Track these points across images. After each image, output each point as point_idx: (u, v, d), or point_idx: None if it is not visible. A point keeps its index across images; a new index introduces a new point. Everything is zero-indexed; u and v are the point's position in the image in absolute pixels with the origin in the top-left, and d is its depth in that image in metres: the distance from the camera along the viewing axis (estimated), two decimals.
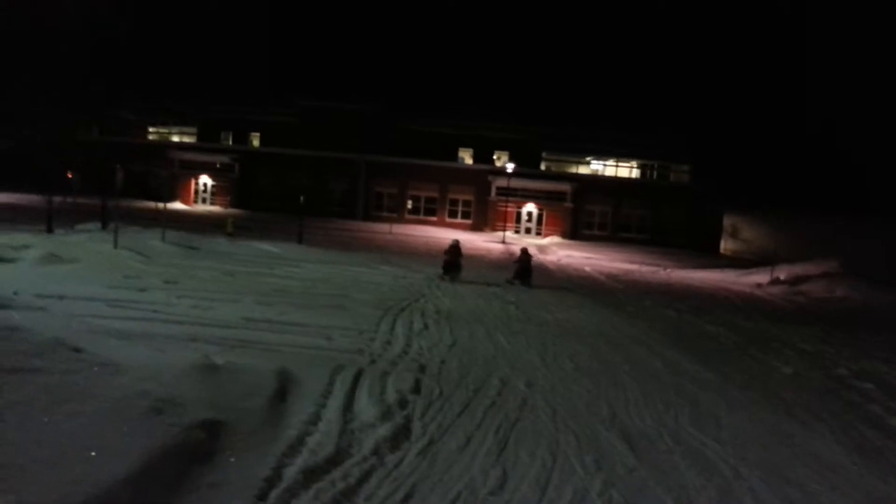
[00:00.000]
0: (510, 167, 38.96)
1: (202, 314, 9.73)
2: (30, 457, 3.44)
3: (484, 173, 42.65)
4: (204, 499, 3.66)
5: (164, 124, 48.97)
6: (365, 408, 5.74)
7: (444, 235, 36.54)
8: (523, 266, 17.91)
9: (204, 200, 45.71)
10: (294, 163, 43.88)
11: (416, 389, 6.63)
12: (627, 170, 47.09)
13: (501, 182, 40.91)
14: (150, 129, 49.87)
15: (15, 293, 9.61)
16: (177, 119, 48.48)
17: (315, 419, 5.25)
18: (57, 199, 20.94)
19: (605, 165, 47.80)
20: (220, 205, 44.60)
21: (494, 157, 46.62)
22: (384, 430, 5.27)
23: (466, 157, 47.32)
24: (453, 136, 46.18)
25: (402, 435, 5.28)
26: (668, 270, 28.10)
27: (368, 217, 43.03)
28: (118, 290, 11.23)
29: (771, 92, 65.32)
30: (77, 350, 4.64)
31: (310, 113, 46.01)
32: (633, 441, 5.78)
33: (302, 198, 30.65)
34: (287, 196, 40.20)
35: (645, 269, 27.92)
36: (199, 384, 4.87)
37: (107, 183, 22.80)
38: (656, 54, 72.64)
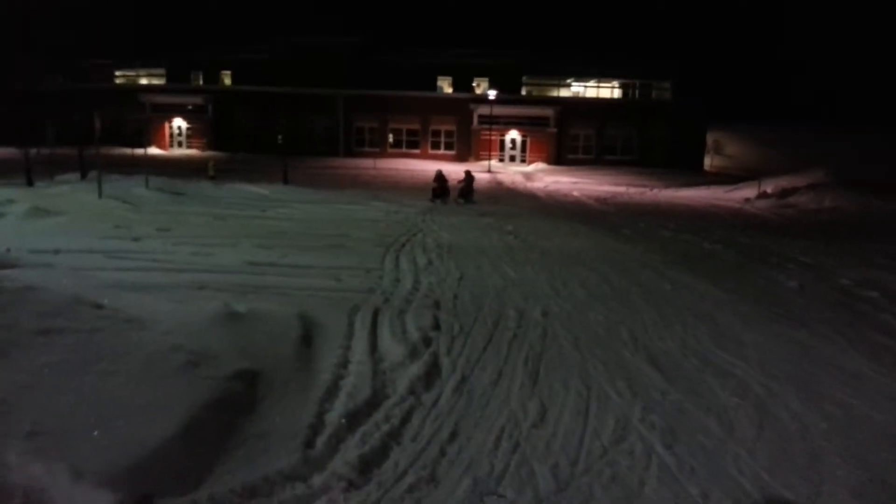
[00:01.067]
0: (491, 94, 38.25)
1: (204, 261, 9.55)
2: (73, 421, 3.34)
3: (465, 102, 41.86)
4: (252, 450, 3.60)
5: (131, 67, 47.21)
6: (390, 347, 5.69)
7: (428, 168, 36.12)
8: (467, 185, 21.35)
9: (180, 144, 44.64)
10: (271, 101, 42.71)
11: (436, 326, 6.58)
12: (609, 90, 46.41)
13: (483, 110, 40.23)
14: (118, 73, 48.09)
15: (8, 250, 9.35)
16: (144, 61, 46.72)
17: (344, 362, 5.19)
18: (32, 150, 20.24)
19: (586, 87, 47.04)
20: (197, 148, 43.59)
21: (474, 84, 45.66)
22: (415, 368, 5.23)
23: (446, 87, 46.31)
24: (432, 66, 44.99)
25: (433, 373, 5.24)
26: (656, 190, 28.12)
27: (351, 153, 42.36)
28: (112, 240, 10.96)
29: (750, 7, 64.14)
30: (98, 306, 4.49)
31: (284, 49, 44.49)
32: (659, 364, 5.80)
33: (280, 136, 29.96)
34: (266, 136, 39.31)
35: (633, 190, 27.91)
36: (227, 334, 4.76)
37: (80, 132, 22.07)
38: None
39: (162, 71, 47.26)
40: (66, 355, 3.85)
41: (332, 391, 4.57)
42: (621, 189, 28.24)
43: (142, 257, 9.57)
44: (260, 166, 29.43)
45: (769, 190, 25.27)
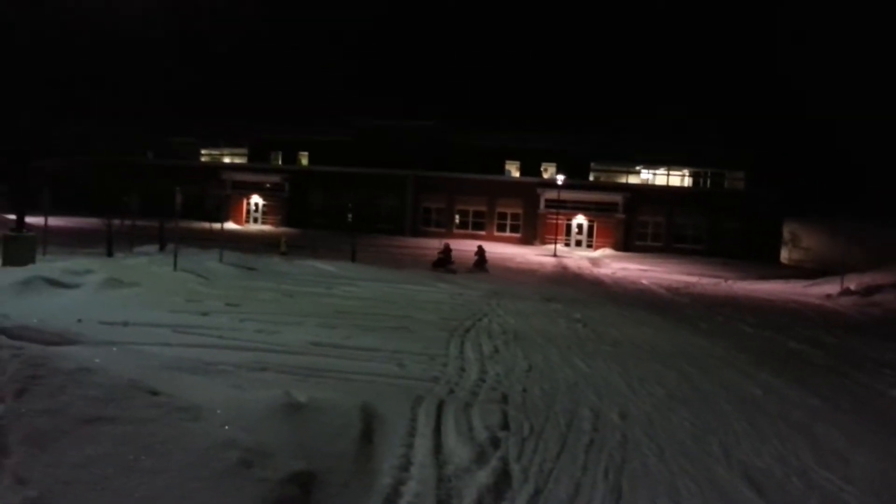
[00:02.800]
0: (559, 179, 38.25)
1: (268, 339, 9.41)
2: None
3: (532, 186, 42.05)
4: None
5: (216, 146, 49.76)
6: (456, 448, 5.24)
7: (493, 249, 36.05)
8: (480, 258, 24.87)
9: (255, 220, 46.22)
10: (343, 180, 44.00)
11: (505, 424, 6.10)
12: (679, 178, 45.87)
13: (550, 194, 40.23)
14: (203, 152, 50.70)
15: (79, 320, 9.46)
16: (228, 141, 49.23)
17: (406, 464, 4.77)
18: (115, 222, 21.13)
19: (655, 175, 46.66)
20: (272, 224, 45.00)
21: (542, 168, 45.96)
22: (482, 476, 4.75)
23: (514, 170, 46.77)
24: (500, 150, 45.71)
25: (502, 482, 4.75)
26: (731, 282, 26.98)
27: (417, 232, 42.80)
28: (181, 314, 11.02)
29: (823, 97, 63.20)
30: (154, 393, 4.26)
31: (358, 131, 46.16)
32: (759, 485, 5.13)
33: (350, 215, 30.54)
34: (336, 213, 40.28)
35: (705, 280, 26.87)
36: (285, 427, 4.44)
37: (163, 205, 23.02)
38: (702, 62, 71.00)
39: (244, 150, 49.63)
40: (113, 448, 3.60)
41: (391, 499, 4.15)
42: (693, 279, 27.24)
43: (208, 333, 9.50)
44: (329, 243, 29.87)
45: (852, 286, 23.83)
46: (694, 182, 45.68)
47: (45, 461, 3.36)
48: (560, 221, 40.19)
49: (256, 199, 46.33)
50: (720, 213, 40.70)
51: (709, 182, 45.67)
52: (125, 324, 9.66)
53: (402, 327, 11.21)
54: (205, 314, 11.22)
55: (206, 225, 28.05)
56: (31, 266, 14.46)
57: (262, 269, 18.40)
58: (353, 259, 23.60)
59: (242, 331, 9.93)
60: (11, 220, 24.03)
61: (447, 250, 24.53)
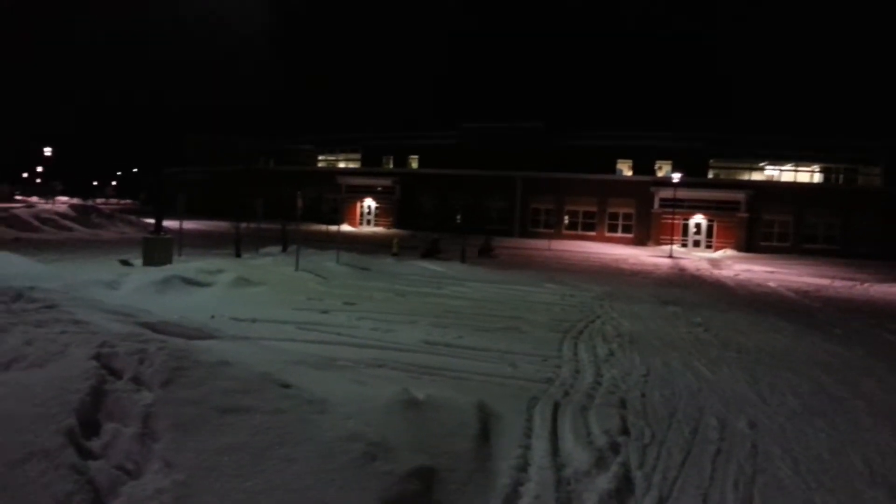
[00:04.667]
0: (676, 177, 36.75)
1: (383, 337, 9.66)
2: None
3: (645, 184, 40.67)
4: None
5: (332, 152, 51.63)
6: (574, 451, 5.15)
7: (604, 251, 35.22)
8: (485, 246, 28.39)
9: (368, 222, 47.56)
10: (452, 183, 44.46)
11: (624, 430, 5.93)
12: (808, 174, 42.94)
13: (665, 193, 38.76)
14: (320, 158, 52.74)
15: (212, 317, 10.12)
16: (343, 146, 50.97)
17: (523, 464, 4.74)
18: (242, 225, 22.42)
19: (781, 171, 43.92)
20: (383, 226, 46.16)
21: (656, 167, 44.40)
22: (603, 481, 4.64)
23: (625, 169, 45.50)
24: (611, 148, 44.64)
25: (624, 489, 4.61)
26: (867, 285, 24.89)
27: (525, 234, 42.53)
28: (303, 312, 11.53)
29: None
30: (285, 386, 4.47)
31: (468, 134, 46.53)
32: None
33: (459, 216, 30.80)
34: (446, 215, 40.72)
35: (839, 283, 24.95)
36: (405, 423, 4.52)
37: (284, 209, 24.22)
38: (830, 47, 66.09)
39: (358, 156, 51.28)
40: (249, 437, 3.80)
41: (511, 499, 4.13)
42: (825, 281, 25.37)
43: (328, 330, 9.88)
44: (439, 244, 30.27)
45: None
46: (825, 178, 42.62)
47: (190, 447, 3.60)
48: (676, 221, 38.65)
49: (369, 202, 47.72)
50: (855, 211, 37.68)
51: (841, 178, 42.45)
52: (253, 320, 10.23)
53: (512, 328, 11.17)
54: (324, 312, 11.68)
55: (323, 227, 29.18)
56: (168, 266, 15.63)
57: (376, 270, 18.91)
58: (463, 260, 23.78)
59: (359, 328, 10.26)
60: (150, 224, 26.12)
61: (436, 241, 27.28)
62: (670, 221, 38.35)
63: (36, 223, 31.66)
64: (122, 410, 3.80)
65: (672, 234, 37.61)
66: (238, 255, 20.52)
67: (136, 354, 4.27)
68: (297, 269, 16.76)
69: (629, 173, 44.44)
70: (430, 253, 26.08)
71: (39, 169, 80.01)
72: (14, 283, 7.88)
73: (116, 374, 4.11)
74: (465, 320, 11.63)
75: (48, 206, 40.71)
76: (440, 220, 41.26)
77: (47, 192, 58.68)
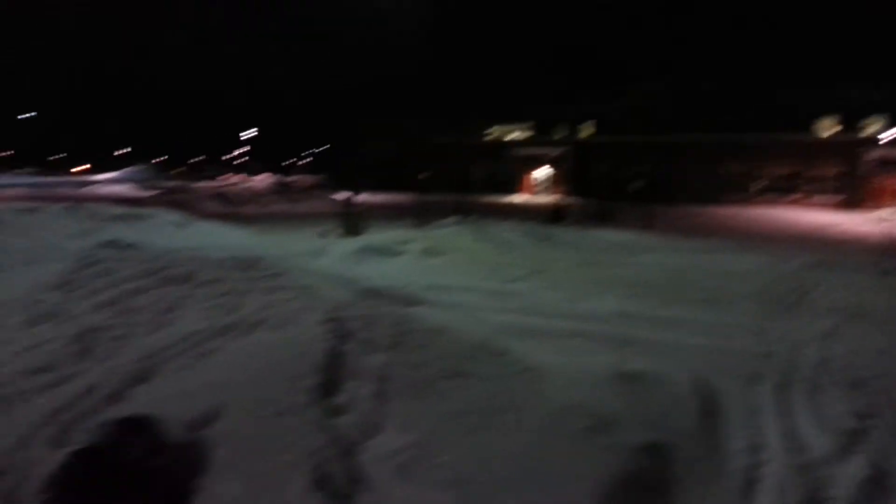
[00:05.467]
0: (890, 133, 32.44)
1: (573, 307, 9.45)
2: (486, 475, 3.21)
3: (850, 144, 36.31)
4: None
5: (505, 122, 51.64)
6: (812, 434, 4.66)
7: (804, 218, 32.09)
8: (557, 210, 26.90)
9: (542, 191, 47.19)
10: (628, 149, 42.72)
11: (866, 413, 5.28)
12: None
13: (876, 153, 34.36)
14: (494, 129, 53.02)
15: (404, 286, 10.51)
16: (516, 117, 50.79)
17: (757, 446, 4.36)
18: (423, 197, 23.17)
19: None
20: (557, 194, 45.55)
21: (864, 124, 39.47)
22: (852, 468, 4.15)
23: (828, 128, 40.93)
24: (810, 106, 40.27)
25: (880, 477, 4.09)
26: None
27: (715, 200, 39.80)
28: (489, 281, 11.64)
29: None
30: (500, 354, 4.46)
31: (643, 97, 44.34)
32: None
33: (638, 183, 29.54)
34: (621, 182, 39.24)
35: None
36: (621, 396, 4.35)
37: (460, 181, 24.73)
38: None
39: (530, 125, 50.91)
40: (471, 403, 3.83)
41: (751, 482, 3.81)
42: None
43: (516, 300, 9.87)
44: (617, 213, 29.29)
45: None
46: None
47: (419, 409, 3.70)
48: (890, 184, 34.22)
49: (542, 172, 47.31)
50: None
51: None
52: (444, 289, 10.48)
53: (713, 299, 10.45)
54: (510, 281, 11.71)
55: (498, 197, 29.38)
56: (360, 237, 16.56)
57: (555, 240, 18.67)
58: (647, 228, 22.80)
59: (548, 298, 10.13)
60: (340, 200, 27.85)
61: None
62: (884, 184, 34.02)
63: (242, 199, 35.06)
64: (356, 372, 4.00)
65: (885, 198, 33.34)
66: (420, 227, 21.24)
67: (364, 319, 4.48)
68: (477, 239, 16.98)
69: (830, 132, 39.96)
70: (599, 220, 25.39)
71: (244, 150, 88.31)
72: (237, 254, 8.67)
73: (348, 337, 4.34)
74: (659, 290, 11.08)
75: (252, 184, 44.88)
76: (615, 188, 39.87)
77: (250, 171, 64.70)
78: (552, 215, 26.21)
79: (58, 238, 12.79)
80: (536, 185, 47.59)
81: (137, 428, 3.48)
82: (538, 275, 12.46)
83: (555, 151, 46.59)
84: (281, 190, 38.79)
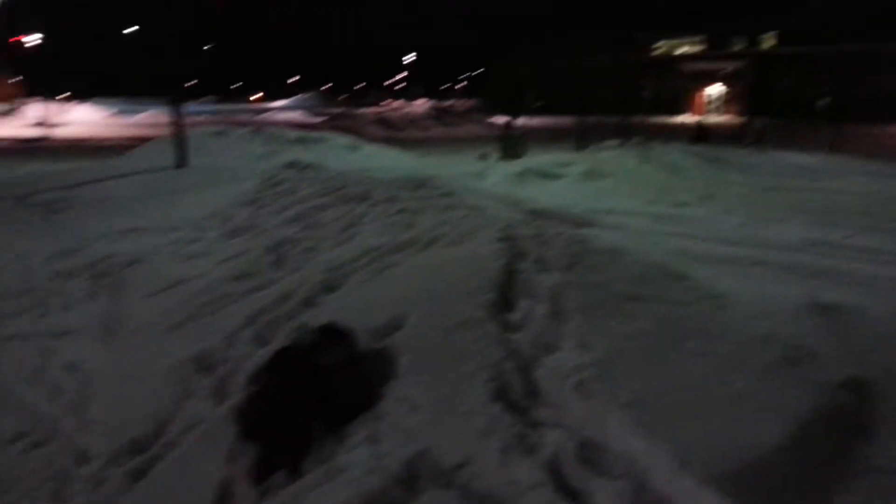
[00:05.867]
0: None
1: (754, 234, 8.82)
2: (667, 400, 3.15)
3: None
4: (878, 487, 2.83)
5: (672, 37, 48.23)
6: None
7: None
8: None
9: (713, 111, 43.95)
10: (816, 63, 38.25)
11: None
12: None
13: None
14: (659, 44, 49.75)
15: (569, 208, 10.32)
16: (685, 31, 47.19)
17: None
18: (584, 118, 22.42)
19: None
20: (731, 114, 42.22)
21: None
22: None
23: None
24: None
25: None
26: None
27: None
28: (657, 205, 11.15)
29: None
30: (681, 278, 4.27)
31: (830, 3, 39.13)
32: None
33: (827, 100, 26.50)
34: (806, 99, 35.45)
35: None
36: (820, 329, 4.01)
37: (624, 100, 23.54)
38: None
39: (701, 38, 47.08)
40: (652, 326, 3.71)
41: None
42: None
43: (688, 225, 9.38)
44: (800, 134, 26.65)
45: None
46: None
47: (598, 330, 3.65)
48: None
49: (714, 89, 43.85)
50: None
51: None
52: (608, 212, 10.17)
53: None
54: (680, 206, 11.13)
55: (665, 118, 27.74)
56: (520, 160, 16.42)
57: (730, 161, 17.40)
58: (834, 150, 20.57)
59: (724, 224, 9.54)
60: (495, 123, 27.68)
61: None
62: None
63: (402, 123, 35.95)
64: (531, 289, 4.02)
65: None
66: (582, 149, 20.64)
67: (537, 238, 4.46)
68: (642, 161, 16.22)
69: None
70: (780, 142, 22.94)
71: (403, 74, 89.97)
72: (406, 175, 8.93)
73: (521, 256, 4.35)
74: (850, 218, 10.04)
75: (411, 109, 45.80)
76: (798, 107, 36.09)
77: (409, 96, 65.97)
78: (696, 135, 24.07)
79: (244, 159, 13.89)
80: (708, 104, 44.28)
81: (329, 332, 3.74)
82: (711, 199, 11.74)
83: (730, 66, 42.82)
84: (439, 114, 39.21)
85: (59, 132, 35.41)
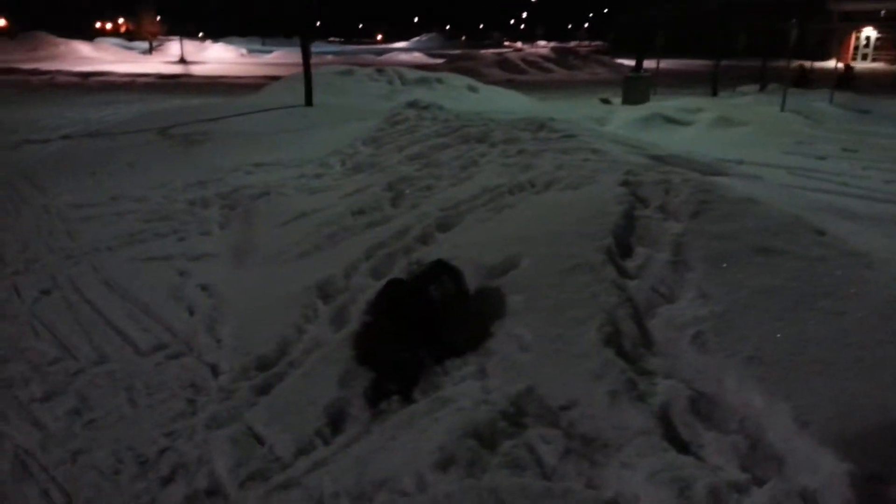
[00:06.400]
0: None
1: None
2: (794, 359, 2.97)
3: None
4: None
5: None
6: None
7: None
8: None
9: (864, 57, 39.86)
10: None
11: None
12: None
13: None
14: None
15: (698, 156, 9.79)
16: None
17: None
18: (720, 62, 21.00)
19: None
20: (885, 61, 38.15)
21: None
22: None
23: None
24: None
25: None
26: None
27: None
28: (794, 156, 10.39)
29: None
30: (819, 232, 3.97)
31: None
32: None
33: None
34: None
35: None
36: None
37: (763, 44, 21.69)
38: None
39: None
40: (785, 281, 3.49)
41: None
42: None
43: (829, 179, 8.70)
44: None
45: None
46: None
47: (724, 281, 3.48)
48: None
49: (867, 32, 39.57)
50: None
51: None
52: (739, 162, 9.58)
53: None
54: (820, 158, 10.31)
55: (805, 63, 25.46)
56: (646, 104, 15.68)
57: (879, 114, 15.83)
58: None
59: (869, 179, 8.76)
60: (621, 65, 26.39)
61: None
62: None
63: (523, 66, 35.13)
64: (651, 237, 3.88)
65: None
66: (715, 94, 19.43)
67: (661, 184, 4.27)
68: (782, 109, 15.07)
69: None
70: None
71: (523, 15, 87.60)
72: (526, 117, 8.76)
73: (643, 202, 4.19)
74: None
75: (532, 50, 44.64)
76: None
77: (530, 37, 64.23)
78: (842, 82, 21.60)
79: (366, 98, 14.16)
80: (857, 49, 40.13)
81: (445, 268, 3.80)
82: (855, 153, 10.78)
83: (885, 7, 38.36)
84: (561, 56, 37.93)
85: (197, 69, 37.47)
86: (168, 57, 47.03)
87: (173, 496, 2.72)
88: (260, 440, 3.04)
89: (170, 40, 53.36)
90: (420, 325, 3.60)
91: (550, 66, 35.81)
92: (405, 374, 3.36)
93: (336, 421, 3.11)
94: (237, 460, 2.87)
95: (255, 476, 2.79)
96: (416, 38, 74.12)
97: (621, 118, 13.05)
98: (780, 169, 9.20)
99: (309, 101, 12.69)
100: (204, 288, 4.77)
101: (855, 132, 13.05)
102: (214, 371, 3.72)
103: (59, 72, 30.63)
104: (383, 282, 4.10)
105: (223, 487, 2.76)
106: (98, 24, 77.03)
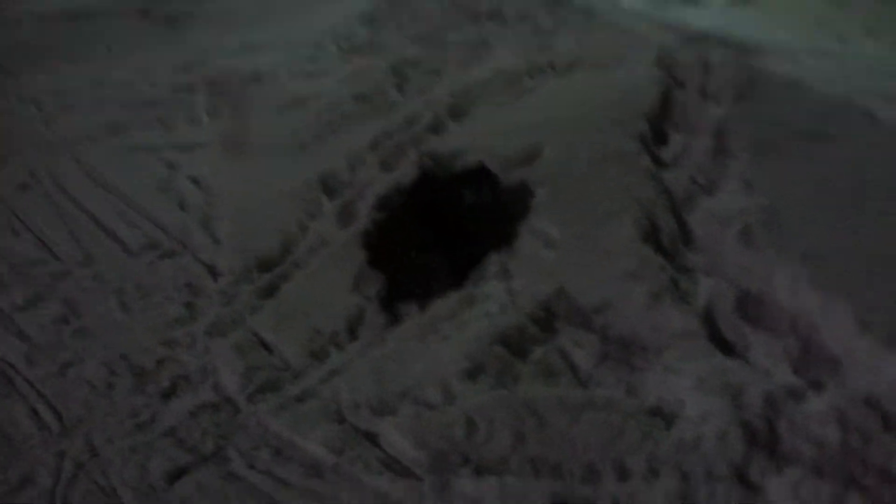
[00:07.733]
0: None
1: None
2: (851, 257, 2.74)
3: None
4: None
5: None
6: None
7: None
8: None
9: None
10: None
11: None
12: None
13: None
14: None
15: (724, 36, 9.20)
16: None
17: None
18: None
19: None
20: None
21: None
22: None
23: None
24: None
25: None
26: None
27: None
28: (816, 38, 9.77)
29: None
30: (868, 116, 3.63)
31: None
32: None
33: None
34: None
35: None
36: None
37: None
38: None
39: None
40: (835, 170, 3.20)
41: None
42: None
43: (854, 62, 8.18)
44: None
45: None
46: None
47: (770, 172, 3.19)
48: None
49: None
50: None
51: None
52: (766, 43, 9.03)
53: None
54: (842, 40, 9.72)
55: None
56: None
57: None
58: None
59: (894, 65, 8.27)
60: None
61: None
62: None
63: None
64: (690, 122, 3.53)
65: None
66: None
67: (699, 65, 3.87)
68: None
69: None
70: None
71: None
72: None
73: (680, 84, 3.81)
74: None
75: None
76: None
77: None
78: None
79: None
80: None
81: (484, 174, 3.49)
82: (879, 33, 10.16)
83: None
84: None
85: None
86: None
87: (176, 411, 2.51)
88: (268, 347, 2.81)
89: None
90: (436, 222, 3.33)
91: None
92: (422, 277, 3.11)
93: (350, 327, 2.88)
94: (245, 370, 2.65)
95: (265, 387, 2.58)
96: None
97: None
98: (804, 52, 8.65)
99: None
100: (195, 181, 4.42)
101: (878, 12, 12.31)
102: (212, 271, 3.44)
103: None
104: (393, 176, 3.77)
105: (232, 400, 2.56)
106: None
